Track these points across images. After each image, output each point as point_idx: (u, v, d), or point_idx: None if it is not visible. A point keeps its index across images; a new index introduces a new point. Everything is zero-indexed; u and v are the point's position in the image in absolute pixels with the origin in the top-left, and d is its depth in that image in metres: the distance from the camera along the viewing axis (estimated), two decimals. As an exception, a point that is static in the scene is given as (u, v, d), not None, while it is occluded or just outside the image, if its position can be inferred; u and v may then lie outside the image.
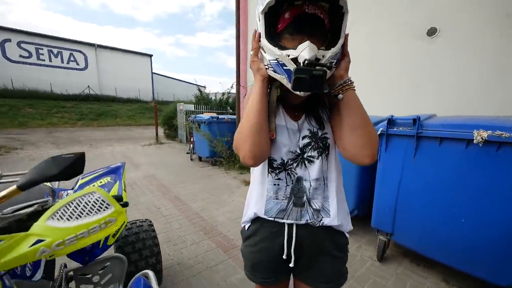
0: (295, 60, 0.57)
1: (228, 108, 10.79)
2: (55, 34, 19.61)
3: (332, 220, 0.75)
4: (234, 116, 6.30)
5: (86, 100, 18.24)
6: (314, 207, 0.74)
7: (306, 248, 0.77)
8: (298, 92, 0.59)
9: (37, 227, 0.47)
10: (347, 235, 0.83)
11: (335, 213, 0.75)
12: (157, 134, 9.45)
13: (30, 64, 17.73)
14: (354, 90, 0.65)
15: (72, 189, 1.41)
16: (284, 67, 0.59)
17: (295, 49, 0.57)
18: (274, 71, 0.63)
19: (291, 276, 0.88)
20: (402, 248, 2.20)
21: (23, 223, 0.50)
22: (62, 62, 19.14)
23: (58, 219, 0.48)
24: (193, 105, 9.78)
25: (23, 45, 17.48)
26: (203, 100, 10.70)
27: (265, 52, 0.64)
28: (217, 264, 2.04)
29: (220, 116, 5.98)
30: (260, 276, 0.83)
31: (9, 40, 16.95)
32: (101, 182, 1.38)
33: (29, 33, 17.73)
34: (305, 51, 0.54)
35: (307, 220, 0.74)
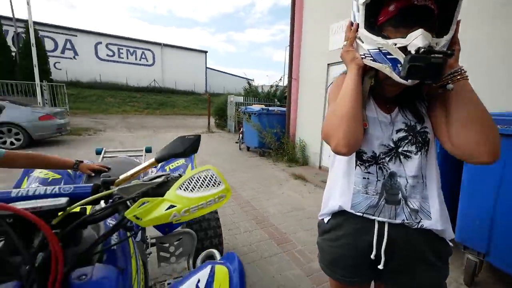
0: (403, 49, 0.55)
1: (276, 100, 10.69)
2: (132, 36, 22.97)
3: (433, 224, 0.66)
4: (284, 108, 6.19)
5: (152, 92, 20.79)
6: (411, 206, 0.67)
7: (399, 251, 0.69)
8: (405, 81, 0.56)
9: (170, 195, 0.54)
10: (451, 243, 0.72)
11: (437, 216, 0.67)
12: (209, 124, 10.08)
13: (113, 61, 21.22)
14: (467, 79, 0.59)
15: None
16: (388, 56, 0.58)
17: (404, 38, 0.55)
18: (374, 60, 0.62)
19: (373, 280, 0.80)
20: (500, 272, 1.67)
21: (156, 190, 0.59)
22: (136, 59, 22.29)
23: (184, 189, 0.54)
24: (242, 97, 10.02)
25: (109, 46, 21.00)
26: (251, 92, 10.86)
27: (362, 42, 0.63)
28: (271, 256, 2.02)
29: (270, 108, 5.93)
30: (340, 273, 0.76)
31: (100, 43, 20.56)
32: (177, 163, 1.55)
33: (114, 36, 21.25)
34: (418, 39, 0.52)
35: (403, 220, 0.67)
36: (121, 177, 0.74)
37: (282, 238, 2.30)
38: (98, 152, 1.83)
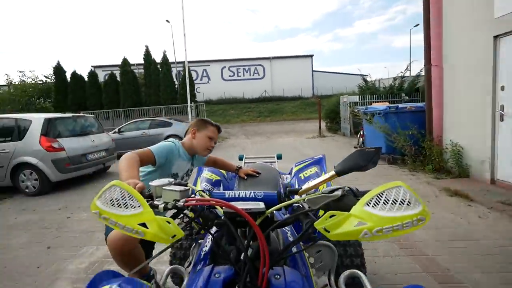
0: None
1: (403, 95, 8.74)
2: (246, 56, 27.02)
3: None
4: (420, 104, 4.84)
5: (263, 101, 23.31)
6: None
7: None
8: None
9: (357, 210, 0.51)
10: None
11: None
12: (320, 127, 9.75)
13: (234, 80, 26.01)
14: None
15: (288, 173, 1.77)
16: None
17: None
18: None
19: None
20: None
21: (336, 203, 0.60)
22: (250, 75, 26.20)
23: (372, 206, 0.50)
24: (357, 96, 8.96)
25: (231, 68, 26.02)
26: (368, 89, 9.50)
27: None
28: None
29: (400, 105, 4.82)
30: None
31: (225, 67, 25.90)
32: (310, 171, 1.53)
33: (233, 59, 26.09)
34: None
35: None
36: (304, 187, 0.79)
37: (446, 277, 1.68)
38: (241, 158, 2.07)
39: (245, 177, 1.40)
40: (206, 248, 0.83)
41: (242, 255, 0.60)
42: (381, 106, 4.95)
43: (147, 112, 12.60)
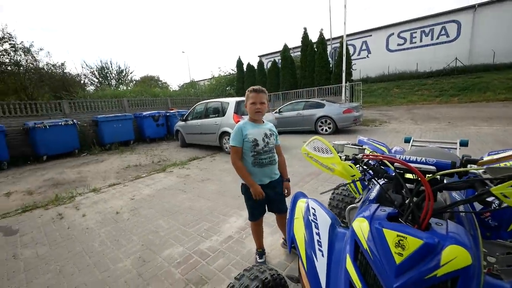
0: None
1: None
2: (429, 13, 20.73)
3: None
4: None
5: (449, 75, 17.47)
6: None
7: None
8: None
9: None
10: None
11: None
12: None
13: (403, 49, 21.28)
14: None
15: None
16: None
17: None
18: None
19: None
20: None
21: None
22: (432, 39, 20.01)
23: None
24: None
25: (401, 34, 21.34)
26: None
27: None
28: None
29: None
30: None
31: (392, 34, 21.71)
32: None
33: (407, 22, 20.99)
34: None
35: None
36: (485, 158, 0.81)
37: None
38: (407, 141, 2.09)
39: (285, 192, 1.82)
40: (373, 194, 1.04)
41: (407, 200, 0.74)
42: None
43: (301, 94, 14.10)
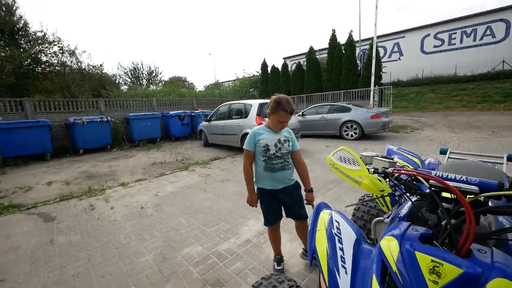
0: None
1: None
2: (469, 12, 19.03)
3: None
4: None
5: (495, 79, 15.88)
6: None
7: None
8: None
9: None
10: None
11: None
12: None
13: (440, 51, 19.77)
14: None
15: None
16: None
17: None
18: None
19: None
20: None
21: None
22: (474, 40, 18.34)
23: None
24: None
25: (438, 35, 19.85)
26: None
27: None
28: None
29: None
30: None
31: (428, 35, 20.28)
32: None
33: (445, 22, 19.48)
34: None
35: None
36: None
37: None
38: (443, 152, 1.92)
39: (310, 204, 1.73)
40: (404, 211, 0.98)
41: (444, 221, 0.67)
42: None
43: (326, 97, 13.74)
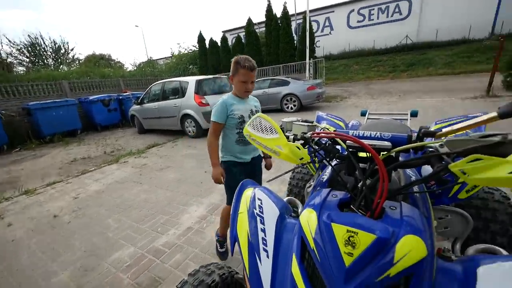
0: None
1: None
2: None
3: None
4: None
5: (400, 51, 18.62)
6: None
7: None
8: None
9: None
10: None
11: None
12: (490, 84, 6.90)
13: (363, 26, 21.80)
14: None
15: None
16: None
17: None
18: None
19: None
20: None
21: (487, 149, 0.54)
22: (387, 16, 20.75)
23: None
24: None
25: (361, 11, 21.66)
26: None
27: None
28: None
29: None
30: None
31: (353, 10, 21.94)
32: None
33: (365, -2, 21.29)
34: None
35: None
36: (445, 130, 0.71)
37: None
38: (363, 114, 2.08)
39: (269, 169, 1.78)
40: (325, 177, 0.96)
41: (360, 183, 0.66)
42: None
43: (267, 72, 13.81)
